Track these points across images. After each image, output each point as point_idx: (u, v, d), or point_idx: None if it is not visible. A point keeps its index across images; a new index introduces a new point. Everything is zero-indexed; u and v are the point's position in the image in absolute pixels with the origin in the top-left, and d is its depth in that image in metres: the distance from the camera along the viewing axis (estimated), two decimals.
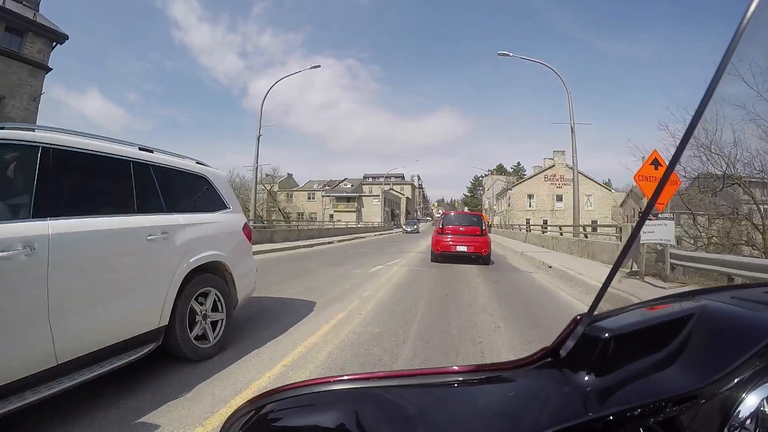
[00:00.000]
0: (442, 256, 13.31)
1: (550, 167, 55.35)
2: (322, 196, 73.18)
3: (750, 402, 0.64)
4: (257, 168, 24.12)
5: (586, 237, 18.88)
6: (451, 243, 13.22)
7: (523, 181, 58.05)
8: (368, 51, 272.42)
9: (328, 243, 22.10)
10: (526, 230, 30.30)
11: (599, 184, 55.08)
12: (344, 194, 74.30)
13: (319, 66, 24.79)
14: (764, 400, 0.65)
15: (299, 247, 18.76)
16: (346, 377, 0.70)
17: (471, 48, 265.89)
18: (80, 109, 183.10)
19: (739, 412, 0.64)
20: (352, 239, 27.25)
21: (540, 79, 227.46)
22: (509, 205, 55.80)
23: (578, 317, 0.69)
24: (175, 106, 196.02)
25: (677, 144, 0.60)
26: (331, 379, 0.69)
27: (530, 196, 55.46)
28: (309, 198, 74.79)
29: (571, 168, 55.97)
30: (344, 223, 49.66)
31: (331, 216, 69.88)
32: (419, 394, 0.69)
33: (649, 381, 0.66)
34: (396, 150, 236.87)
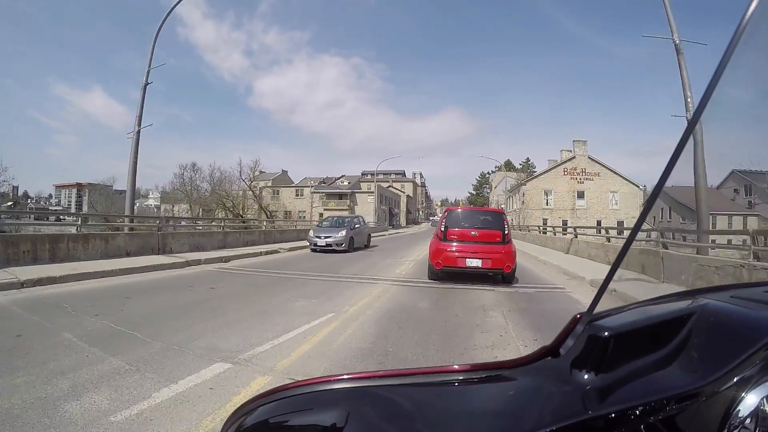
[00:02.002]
0: (445, 272, 10.03)
1: (569, 159, 51.58)
2: (312, 193, 69.31)
3: (750, 401, 0.66)
4: (139, 132, 16.42)
5: (608, 241, 15.61)
6: (458, 254, 9.79)
7: (539, 175, 54.15)
8: (374, 49, 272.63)
9: (290, 250, 18.46)
10: (570, 234, 22.10)
11: (626, 180, 51.31)
12: (335, 191, 70.44)
13: None
14: (764, 399, 0.67)
15: (246, 255, 15.06)
16: (346, 376, 0.74)
17: (476, 48, 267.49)
18: (84, 107, 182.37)
19: (739, 410, 0.66)
20: None
21: (547, 80, 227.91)
22: (523, 203, 52.00)
23: (578, 316, 0.72)
24: (180, 104, 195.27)
25: (676, 144, 0.61)
26: (332, 378, 0.73)
27: (547, 193, 51.68)
28: (297, 195, 70.92)
29: (593, 160, 52.90)
30: None
31: (321, 215, 66.18)
32: (419, 393, 0.72)
33: (649, 379, 0.68)
34: (401, 149, 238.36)
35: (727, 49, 0.52)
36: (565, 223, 48.33)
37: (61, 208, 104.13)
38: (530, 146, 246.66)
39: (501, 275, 9.88)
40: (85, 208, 73.77)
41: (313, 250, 17.90)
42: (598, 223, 48.50)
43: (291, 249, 18.82)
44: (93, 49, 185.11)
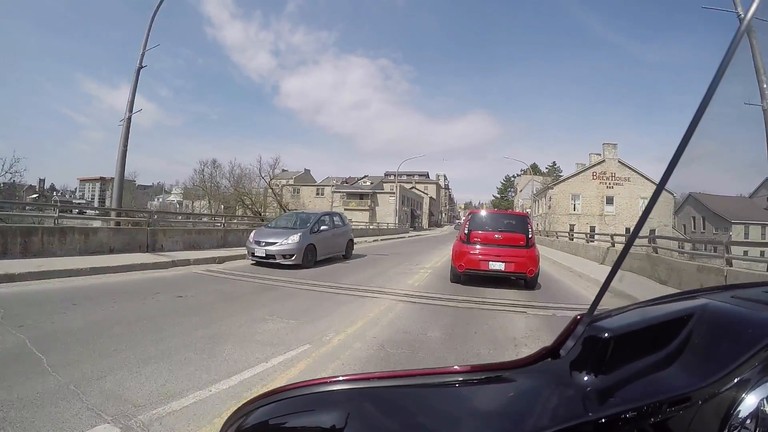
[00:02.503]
0: (467, 275, 10.08)
1: (598, 163, 49.07)
2: (332, 192, 67.95)
3: (750, 401, 0.67)
4: (130, 118, 15.03)
5: (656, 252, 13.08)
6: (481, 257, 9.79)
7: (567, 178, 51.53)
8: (401, 50, 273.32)
9: None
10: (605, 242, 19.83)
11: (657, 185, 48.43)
12: (356, 190, 68.93)
13: None
14: (764, 400, 0.68)
15: (244, 257, 13.16)
16: (346, 377, 0.73)
17: (503, 51, 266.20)
18: (111, 103, 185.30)
19: (740, 411, 0.67)
20: None
21: (574, 85, 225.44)
22: (550, 208, 49.65)
23: (578, 317, 0.72)
24: (206, 103, 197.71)
25: (677, 144, 0.61)
26: (332, 380, 0.72)
27: (575, 197, 49.28)
28: (318, 194, 69.62)
29: (623, 164, 50.36)
30: (356, 224, 43.49)
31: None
32: (419, 395, 0.72)
33: (650, 380, 0.69)
34: (425, 151, 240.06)
35: (727, 51, 0.53)
36: (592, 229, 46.12)
37: (84, 201, 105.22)
38: (556, 152, 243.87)
39: (524, 279, 9.85)
40: (107, 203, 74.23)
41: (254, 264, 12.19)
42: (627, 230, 46.22)
43: None
44: (121, 45, 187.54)
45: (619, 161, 48.75)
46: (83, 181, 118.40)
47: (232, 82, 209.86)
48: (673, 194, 49.85)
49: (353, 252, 15.88)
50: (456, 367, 0.74)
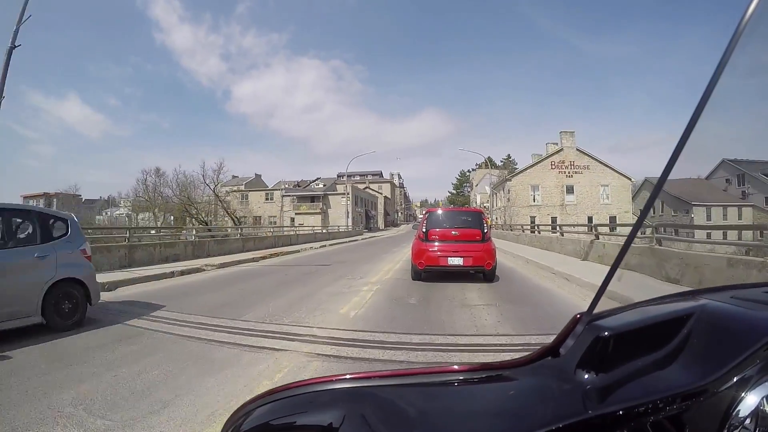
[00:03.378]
0: (428, 272, 10.30)
1: (557, 152, 47.38)
2: (282, 196, 64.03)
3: (749, 401, 0.67)
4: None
5: (659, 244, 10.61)
6: (440, 254, 10.08)
7: (526, 169, 49.54)
8: (353, 51, 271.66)
9: (220, 267, 13.42)
10: (585, 234, 18.13)
11: (617, 172, 47.31)
12: (307, 193, 65.24)
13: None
14: (764, 399, 0.67)
15: (146, 279, 10.49)
16: (345, 376, 0.74)
17: (455, 48, 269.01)
18: (61, 116, 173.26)
19: (739, 410, 0.66)
20: (263, 257, 17.06)
21: (526, 79, 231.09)
22: (509, 201, 47.53)
23: (578, 316, 0.72)
24: (157, 111, 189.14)
25: (676, 143, 0.61)
26: (331, 379, 0.73)
27: (534, 188, 47.36)
28: (267, 198, 65.51)
29: (582, 152, 48.93)
30: (308, 228, 39.73)
31: (292, 219, 61.08)
32: (419, 394, 0.72)
33: (649, 379, 0.68)
34: (381, 151, 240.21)
35: (728, 47, 0.53)
36: (554, 220, 44.32)
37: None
38: (510, 146, 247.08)
39: (482, 272, 10.09)
40: None
41: None
42: (589, 219, 44.68)
43: (222, 265, 13.75)
44: (67, 55, 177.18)
45: (577, 149, 47.29)
46: (27, 197, 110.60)
47: (183, 88, 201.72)
48: (631, 179, 48.73)
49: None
50: (456, 366, 0.75)
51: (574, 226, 33.63)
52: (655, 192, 0.72)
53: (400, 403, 0.68)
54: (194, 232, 29.34)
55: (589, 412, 0.60)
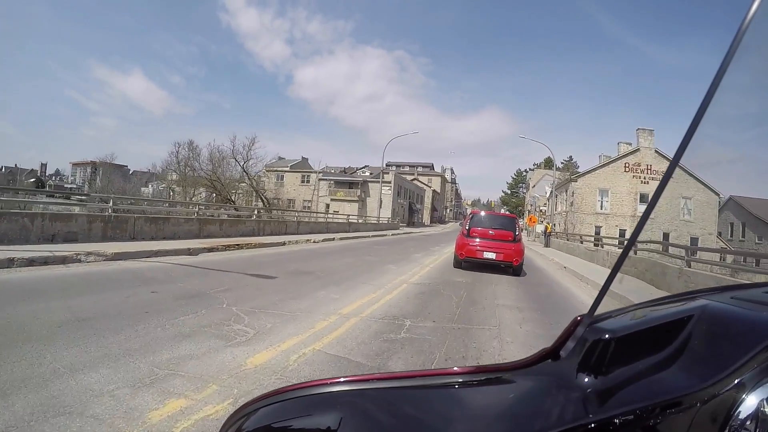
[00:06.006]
0: (467, 262, 12.57)
1: (632, 152, 40.47)
2: (318, 179, 59.71)
3: (750, 403, 0.66)
4: None
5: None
6: (478, 248, 12.25)
7: (595, 169, 42.11)
8: (418, 42, 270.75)
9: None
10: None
11: (703, 184, 39.65)
12: (344, 178, 60.58)
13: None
14: (764, 401, 0.67)
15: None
16: (345, 379, 0.72)
17: (520, 49, 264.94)
18: (123, 90, 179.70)
19: (740, 412, 0.66)
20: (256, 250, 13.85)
21: (589, 86, 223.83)
22: (572, 205, 41.11)
23: (578, 318, 0.72)
24: (218, 91, 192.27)
25: (679, 143, 0.60)
26: (331, 381, 0.72)
27: (603, 193, 40.63)
28: (303, 181, 61.44)
29: (661, 155, 41.76)
30: (344, 217, 34.68)
31: (327, 206, 56.87)
32: (418, 396, 0.71)
33: (650, 382, 0.68)
34: (439, 147, 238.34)
35: (729, 48, 0.53)
36: (622, 233, 37.88)
37: (75, 186, 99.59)
38: (569, 150, 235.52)
39: (511, 267, 12.23)
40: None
41: None
42: (665, 236, 37.95)
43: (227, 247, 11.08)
44: (132, 31, 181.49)
45: (656, 151, 40.15)
46: (75, 165, 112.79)
47: (246, 70, 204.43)
48: (718, 194, 41.23)
49: None
50: (456, 368, 0.73)
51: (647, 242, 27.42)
52: (653, 200, 0.67)
53: (400, 406, 0.68)
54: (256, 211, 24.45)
55: (590, 415, 0.60)
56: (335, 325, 5.63)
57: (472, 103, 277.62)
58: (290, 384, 0.79)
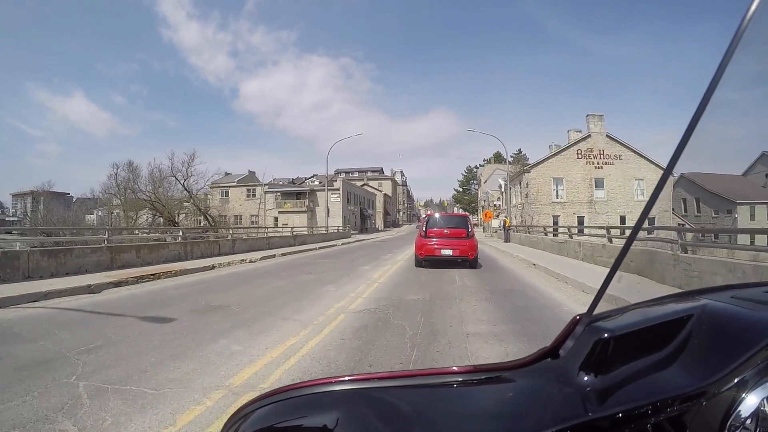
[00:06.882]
0: (427, 260, 13.56)
1: (584, 138, 39.51)
2: (264, 192, 56.53)
3: (750, 402, 0.66)
4: None
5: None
6: (436, 247, 13.28)
7: (547, 159, 40.66)
8: (363, 49, 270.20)
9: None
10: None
11: (653, 164, 39.07)
12: (291, 189, 57.53)
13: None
14: (764, 400, 0.67)
15: None
16: (345, 378, 0.73)
17: (465, 49, 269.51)
18: (66, 114, 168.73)
19: (740, 411, 0.66)
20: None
21: (533, 80, 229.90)
22: (527, 197, 39.76)
23: (578, 317, 0.72)
24: (163, 110, 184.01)
25: (677, 143, 0.59)
26: (331, 380, 0.72)
27: (557, 182, 39.46)
28: (249, 195, 58.07)
29: (612, 139, 41.01)
30: (289, 230, 31.65)
31: (276, 219, 53.83)
32: (419, 395, 0.72)
33: (649, 381, 0.68)
34: (388, 151, 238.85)
35: (729, 47, 0.53)
36: (580, 221, 36.84)
37: (16, 219, 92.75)
38: (519, 143, 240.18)
39: (467, 261, 13.26)
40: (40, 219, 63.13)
41: None
42: (622, 219, 37.17)
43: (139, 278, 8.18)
44: (72, 52, 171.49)
45: (607, 136, 39.36)
46: (15, 196, 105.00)
47: (191, 86, 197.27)
48: (673, 174, 40.84)
49: None
50: (455, 367, 0.73)
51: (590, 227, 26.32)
52: (656, 191, 0.65)
53: (397, 405, 0.68)
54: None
55: (589, 414, 0.60)
56: (210, 413, 3.31)
57: (421, 105, 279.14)
58: (292, 384, 0.77)
